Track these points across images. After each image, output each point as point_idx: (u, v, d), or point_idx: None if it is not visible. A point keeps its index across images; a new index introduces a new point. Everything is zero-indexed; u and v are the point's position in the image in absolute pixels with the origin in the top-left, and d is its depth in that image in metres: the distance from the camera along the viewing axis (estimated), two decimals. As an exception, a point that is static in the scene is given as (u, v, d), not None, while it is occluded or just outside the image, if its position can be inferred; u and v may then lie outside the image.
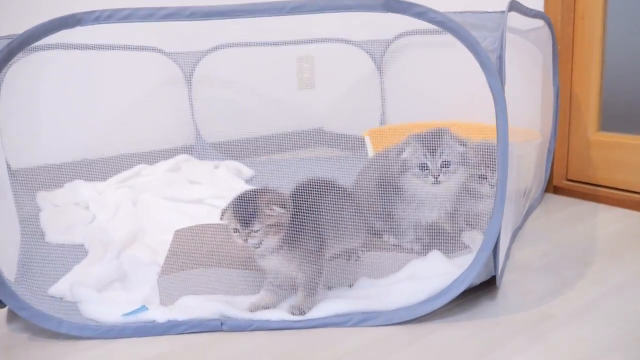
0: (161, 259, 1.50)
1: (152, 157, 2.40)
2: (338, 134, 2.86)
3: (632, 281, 1.37)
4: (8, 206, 1.48)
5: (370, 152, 2.06)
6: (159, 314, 1.20)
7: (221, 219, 1.21)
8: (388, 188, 1.45)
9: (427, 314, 1.21)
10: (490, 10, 1.33)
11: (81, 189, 2.10)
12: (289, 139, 2.87)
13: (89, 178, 2.18)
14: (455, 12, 1.17)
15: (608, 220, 1.83)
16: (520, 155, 1.52)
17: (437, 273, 1.28)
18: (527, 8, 1.57)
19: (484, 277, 1.30)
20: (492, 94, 1.12)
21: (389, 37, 2.69)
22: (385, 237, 1.54)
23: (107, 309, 1.23)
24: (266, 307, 1.23)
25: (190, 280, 1.32)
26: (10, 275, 1.27)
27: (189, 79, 2.75)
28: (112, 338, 1.18)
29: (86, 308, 1.24)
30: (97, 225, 1.84)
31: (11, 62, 1.93)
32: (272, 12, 1.10)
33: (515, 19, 1.47)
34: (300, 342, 1.15)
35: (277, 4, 1.12)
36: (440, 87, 2.45)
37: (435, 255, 1.36)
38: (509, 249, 1.54)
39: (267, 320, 1.20)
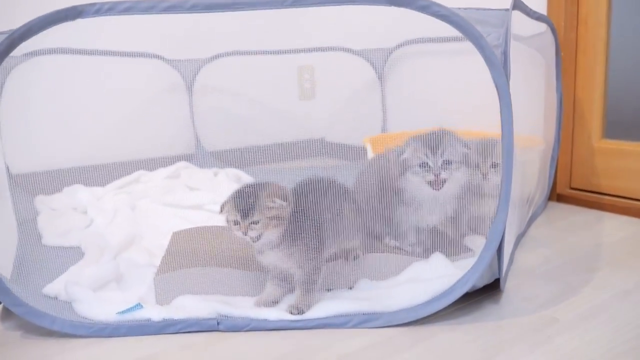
0: (158, 262, 1.47)
1: (151, 165, 2.39)
2: (339, 143, 2.85)
3: (638, 287, 1.35)
4: (6, 208, 1.47)
5: (370, 154, 2.04)
6: (155, 313, 1.18)
7: (221, 211, 1.19)
8: (388, 190, 1.43)
9: (430, 317, 1.19)
10: (494, 8, 1.32)
11: (80, 193, 2.09)
12: (290, 149, 2.85)
13: (88, 183, 2.18)
14: (459, 8, 1.16)
15: (613, 227, 1.82)
16: (523, 161, 1.51)
17: (439, 275, 1.26)
18: (530, 9, 1.57)
19: (487, 280, 1.27)
20: (497, 89, 1.11)
21: (390, 46, 2.69)
22: (387, 240, 1.51)
23: (101, 308, 1.21)
24: (275, 302, 1.22)
25: (187, 280, 1.30)
26: (6, 274, 1.26)
27: (190, 87, 2.75)
28: (106, 336, 1.16)
29: (80, 307, 1.22)
30: (95, 229, 1.83)
31: (11, 63, 1.96)
32: (274, 4, 1.10)
33: (519, 25, 1.46)
34: (299, 343, 1.12)
35: (279, -4, 1.11)
36: (442, 95, 2.44)
37: (438, 258, 1.34)
38: (512, 253, 1.52)
39: (265, 320, 1.18)
